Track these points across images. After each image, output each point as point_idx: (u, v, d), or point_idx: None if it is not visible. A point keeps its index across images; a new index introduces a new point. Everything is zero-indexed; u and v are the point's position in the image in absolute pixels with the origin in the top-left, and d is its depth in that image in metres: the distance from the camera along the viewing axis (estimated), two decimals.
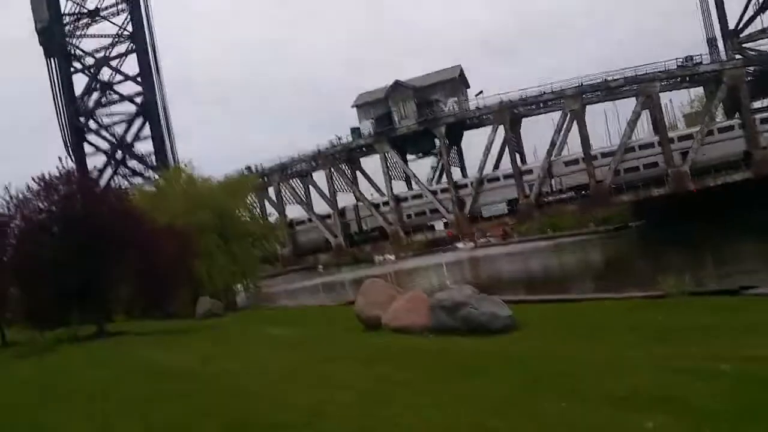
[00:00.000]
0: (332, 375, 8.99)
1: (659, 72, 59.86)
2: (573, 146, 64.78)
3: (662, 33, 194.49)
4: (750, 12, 68.24)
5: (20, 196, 19.51)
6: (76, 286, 18.68)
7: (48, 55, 77.64)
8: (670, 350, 8.86)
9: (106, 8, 78.81)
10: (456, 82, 67.74)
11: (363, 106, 69.35)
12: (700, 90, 71.45)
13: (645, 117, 66.42)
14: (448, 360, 9.69)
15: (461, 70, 70.08)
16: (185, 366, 11.70)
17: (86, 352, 15.60)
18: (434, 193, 66.51)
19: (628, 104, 62.71)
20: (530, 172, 63.22)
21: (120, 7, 78.01)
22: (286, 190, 69.73)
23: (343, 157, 69.68)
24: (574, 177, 61.23)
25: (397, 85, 67.84)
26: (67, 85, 77.99)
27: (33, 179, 19.48)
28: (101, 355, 14.86)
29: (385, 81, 71.35)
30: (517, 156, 66.73)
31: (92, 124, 79.28)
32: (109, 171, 76.24)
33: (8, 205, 19.79)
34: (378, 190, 71.58)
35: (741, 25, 69.40)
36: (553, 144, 62.16)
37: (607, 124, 77.67)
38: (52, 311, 18.93)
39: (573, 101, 61.38)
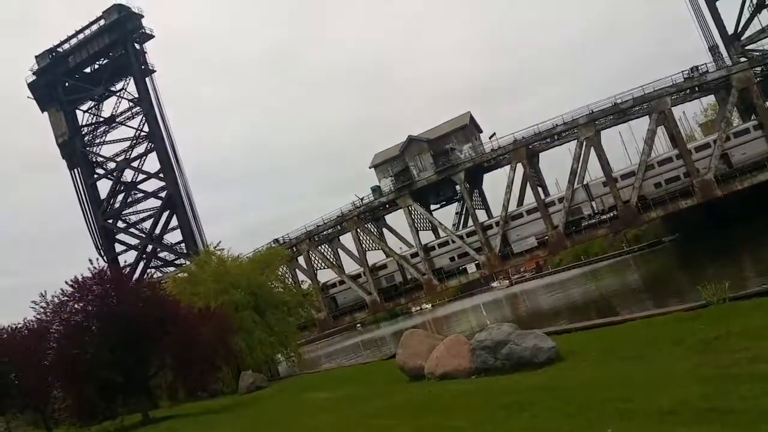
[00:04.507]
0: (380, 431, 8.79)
1: (667, 87, 59.65)
2: (595, 172, 64.43)
3: (664, 49, 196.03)
4: (746, 14, 68.20)
5: (56, 300, 19.90)
6: (119, 378, 18.97)
7: (71, 166, 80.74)
8: (714, 359, 8.66)
9: (122, 113, 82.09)
10: (468, 128, 68.19)
11: (380, 165, 70.00)
12: (712, 98, 70.93)
13: (662, 132, 65.96)
14: (494, 400, 9.52)
15: (471, 116, 70.67)
16: None
17: None
18: (462, 237, 66.27)
19: (644, 123, 62.45)
20: (555, 203, 62.90)
21: (135, 110, 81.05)
22: (316, 256, 70.08)
23: (368, 217, 69.97)
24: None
25: (411, 140, 68.67)
26: (92, 191, 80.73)
27: (66, 283, 19.92)
28: None
29: (396, 140, 72.16)
30: (540, 189, 66.47)
31: (121, 224, 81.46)
32: (141, 265, 77.85)
33: (45, 311, 20.19)
34: (406, 242, 71.60)
35: (740, 29, 69.28)
36: (573, 173, 61.79)
37: (624, 145, 77.63)
38: (97, 406, 19.17)
39: (586, 129, 61.30)
